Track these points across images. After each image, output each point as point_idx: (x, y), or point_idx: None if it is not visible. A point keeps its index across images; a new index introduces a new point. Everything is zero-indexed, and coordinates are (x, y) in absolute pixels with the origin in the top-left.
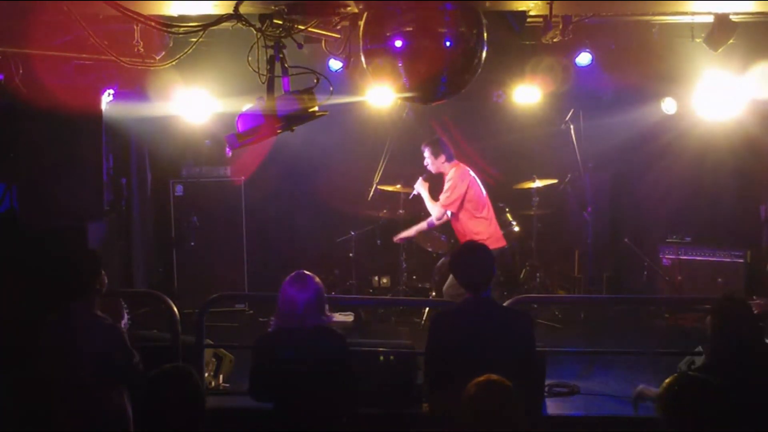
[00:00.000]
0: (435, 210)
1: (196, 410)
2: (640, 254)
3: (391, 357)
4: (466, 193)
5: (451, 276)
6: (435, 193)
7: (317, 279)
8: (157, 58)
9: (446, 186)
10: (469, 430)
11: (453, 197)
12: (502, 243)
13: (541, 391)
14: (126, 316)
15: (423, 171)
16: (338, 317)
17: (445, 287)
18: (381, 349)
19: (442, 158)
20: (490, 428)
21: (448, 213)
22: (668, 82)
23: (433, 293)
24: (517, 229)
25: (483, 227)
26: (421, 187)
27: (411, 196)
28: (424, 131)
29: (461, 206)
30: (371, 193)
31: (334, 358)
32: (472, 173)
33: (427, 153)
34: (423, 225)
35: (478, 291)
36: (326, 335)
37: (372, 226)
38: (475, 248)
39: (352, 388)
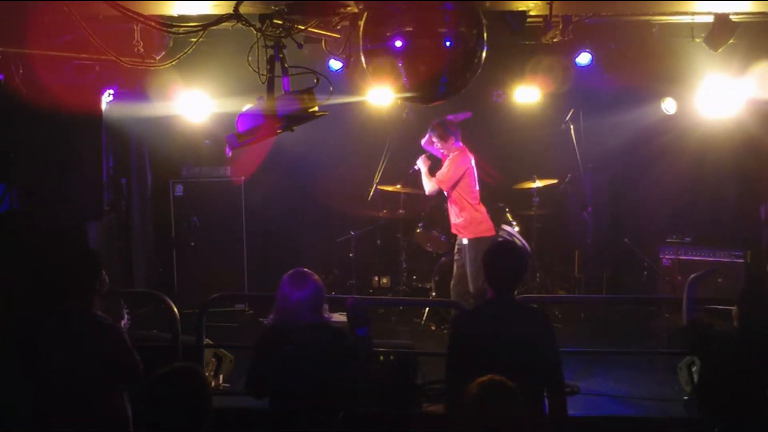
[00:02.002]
0: (429, 185)
1: (204, 409)
2: (640, 254)
3: (391, 357)
4: (461, 177)
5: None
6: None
7: (316, 277)
8: (157, 58)
9: (445, 164)
10: (472, 430)
11: (448, 176)
12: (492, 233)
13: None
14: (126, 316)
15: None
16: (338, 317)
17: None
18: (381, 349)
19: (452, 140)
20: (492, 428)
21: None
22: (668, 82)
23: (433, 293)
24: (517, 229)
25: (473, 213)
26: (422, 164)
27: (411, 171)
28: (424, 131)
29: (453, 187)
30: (371, 193)
31: (332, 354)
32: (473, 162)
33: (435, 138)
34: (426, 179)
35: (503, 291)
36: (324, 332)
37: (372, 226)
38: (510, 248)
39: (351, 385)
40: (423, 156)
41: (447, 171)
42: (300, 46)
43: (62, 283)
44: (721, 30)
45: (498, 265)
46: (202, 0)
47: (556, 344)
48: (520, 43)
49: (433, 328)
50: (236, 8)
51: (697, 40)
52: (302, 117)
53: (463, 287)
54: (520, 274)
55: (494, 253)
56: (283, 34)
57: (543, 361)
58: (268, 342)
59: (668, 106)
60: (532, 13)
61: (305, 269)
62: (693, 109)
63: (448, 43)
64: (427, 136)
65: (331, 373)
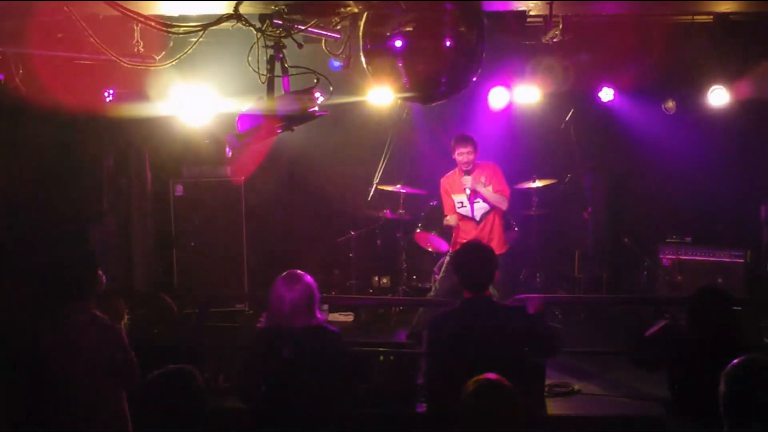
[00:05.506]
0: (504, 202)
1: (198, 411)
2: (640, 254)
3: (391, 357)
4: None
5: (443, 273)
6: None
7: (309, 278)
8: (157, 58)
9: (492, 178)
10: (468, 429)
11: (506, 186)
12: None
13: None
14: (126, 317)
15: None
16: (338, 317)
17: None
18: (381, 349)
19: (476, 153)
20: (488, 428)
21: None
22: (668, 81)
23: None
24: (516, 229)
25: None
26: (475, 184)
27: (469, 197)
28: (424, 131)
29: None
30: (371, 193)
31: (325, 356)
32: None
33: (470, 148)
34: (493, 196)
35: (479, 291)
36: (317, 334)
37: (372, 226)
38: (480, 247)
39: (345, 387)
40: (467, 178)
41: (502, 182)
42: (300, 46)
43: (60, 283)
44: (721, 30)
45: (471, 266)
46: (202, 0)
47: (542, 329)
48: (520, 43)
49: None
50: (236, 8)
51: (698, 40)
52: (302, 117)
53: None
54: (493, 272)
55: (465, 254)
56: (283, 34)
57: (523, 357)
58: (263, 345)
59: (668, 106)
60: (532, 13)
61: (298, 270)
62: (693, 109)
63: (448, 43)
64: (461, 151)
65: (327, 374)
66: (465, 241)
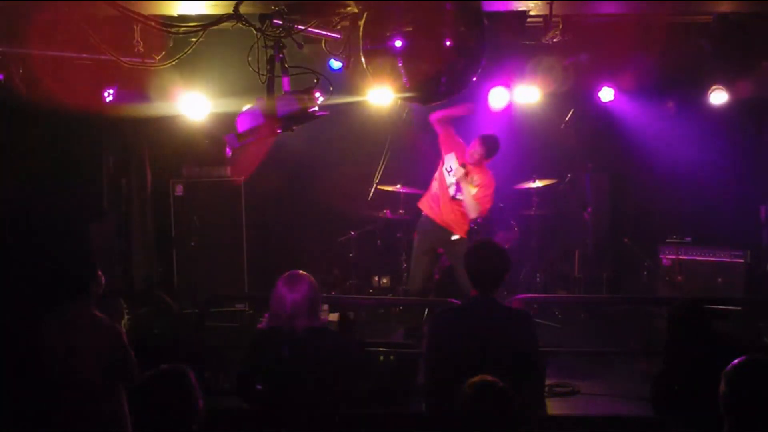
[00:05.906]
0: (475, 211)
1: (190, 411)
2: (640, 254)
3: (391, 357)
4: None
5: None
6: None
7: (311, 279)
8: (157, 58)
9: (485, 191)
10: (464, 430)
11: (489, 201)
12: None
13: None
14: (126, 316)
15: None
16: (337, 317)
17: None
18: (381, 349)
19: (488, 160)
20: (484, 429)
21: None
22: (669, 81)
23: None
24: (516, 229)
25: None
26: (463, 180)
27: (455, 183)
28: (424, 131)
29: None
30: (371, 193)
31: (325, 358)
32: None
33: (482, 151)
34: (472, 202)
35: (486, 290)
36: (318, 336)
37: (372, 226)
38: (494, 248)
39: (345, 388)
40: (461, 169)
41: (488, 195)
42: (300, 46)
43: (60, 283)
44: (721, 30)
45: (482, 265)
46: (202, 0)
47: (536, 343)
48: (520, 43)
49: None
50: (236, 8)
51: (698, 40)
52: (302, 117)
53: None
54: (503, 273)
55: (477, 252)
56: (283, 34)
57: (522, 360)
58: (263, 345)
59: (668, 105)
60: (532, 13)
61: (300, 271)
62: (693, 109)
63: (448, 43)
64: (474, 146)
65: (328, 376)
66: (434, 205)
